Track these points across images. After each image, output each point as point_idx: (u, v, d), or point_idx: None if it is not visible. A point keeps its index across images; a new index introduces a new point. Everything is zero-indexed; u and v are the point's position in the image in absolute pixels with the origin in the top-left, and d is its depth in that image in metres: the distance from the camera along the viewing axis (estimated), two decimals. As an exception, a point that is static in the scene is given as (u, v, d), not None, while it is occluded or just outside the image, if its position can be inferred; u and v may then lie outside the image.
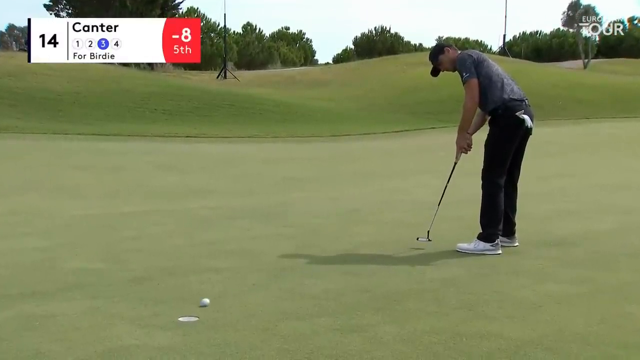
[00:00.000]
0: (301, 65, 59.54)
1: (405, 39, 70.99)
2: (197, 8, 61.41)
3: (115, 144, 17.08)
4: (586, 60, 51.77)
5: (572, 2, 56.24)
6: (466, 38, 77.46)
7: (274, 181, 11.43)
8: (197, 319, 4.11)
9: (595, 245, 6.18)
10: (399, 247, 6.09)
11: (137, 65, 33.53)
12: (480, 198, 6.05)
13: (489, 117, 6.04)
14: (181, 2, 50.85)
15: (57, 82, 27.37)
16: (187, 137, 19.17)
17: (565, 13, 56.99)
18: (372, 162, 14.72)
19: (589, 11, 53.88)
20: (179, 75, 37.68)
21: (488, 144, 5.97)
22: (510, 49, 58.12)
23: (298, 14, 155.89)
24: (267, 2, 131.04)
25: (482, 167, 6.06)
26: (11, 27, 79.45)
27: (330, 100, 31.43)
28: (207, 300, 4.36)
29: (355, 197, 9.53)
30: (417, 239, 6.20)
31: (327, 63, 64.97)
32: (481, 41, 77.13)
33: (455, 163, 6.33)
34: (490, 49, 71.78)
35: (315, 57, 75.74)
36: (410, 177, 11.74)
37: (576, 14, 53.53)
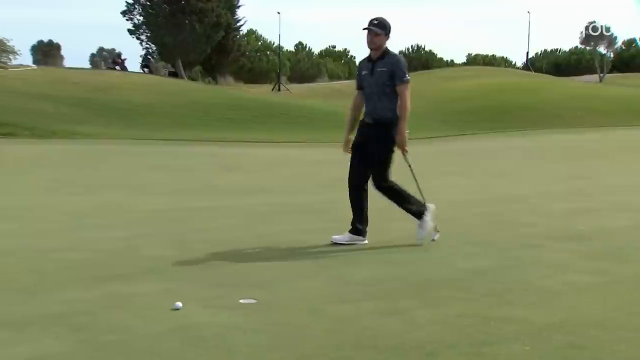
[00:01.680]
0: (346, 79, 59.39)
1: (438, 56, 70.39)
2: (256, 29, 61.74)
3: (185, 148, 17.29)
4: (602, 75, 50.78)
5: (589, 23, 55.14)
6: (493, 55, 76.41)
7: (321, 181, 11.43)
8: (255, 301, 4.12)
9: (611, 240, 6.03)
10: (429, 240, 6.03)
11: (203, 79, 33.89)
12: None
13: (374, 124, 5.67)
14: (242, 25, 51.30)
15: (136, 95, 27.87)
16: (246, 142, 19.32)
17: (583, 32, 55.88)
18: (409, 165, 14.61)
19: (605, 31, 52.82)
20: (239, 88, 38.06)
21: (376, 157, 5.67)
22: (533, 64, 57.30)
23: (343, 33, 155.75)
24: (317, 24, 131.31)
25: (374, 181, 5.75)
26: (101, 49, 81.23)
27: (372, 110, 31.31)
28: (179, 304, 3.98)
29: (394, 196, 9.46)
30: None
31: (369, 77, 64.65)
32: (506, 57, 76.01)
33: (410, 165, 5.84)
34: (515, 64, 70.81)
35: (358, 72, 75.50)
36: (441, 178, 11.60)
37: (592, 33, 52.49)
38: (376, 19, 5.61)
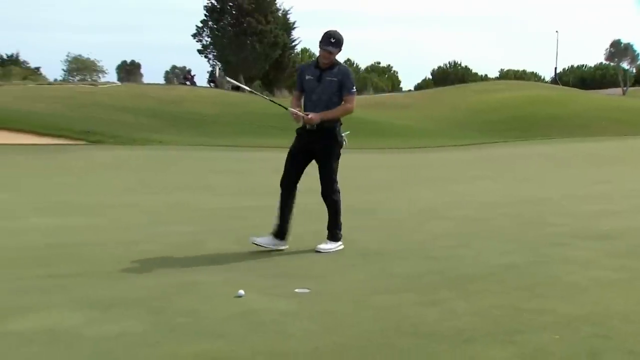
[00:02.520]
0: (389, 92, 59.18)
1: (473, 71, 69.40)
2: (309, 48, 61.95)
3: (244, 153, 17.45)
4: (625, 88, 49.36)
5: (613, 41, 53.61)
6: (523, 70, 74.92)
7: (366, 184, 11.39)
8: (309, 290, 4.12)
9: (633, 239, 5.82)
10: (467, 238, 5.93)
11: (261, 92, 34.26)
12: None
13: (320, 133, 5.26)
14: (297, 44, 51.60)
15: (203, 107, 28.28)
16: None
17: (608, 49, 54.36)
18: (445, 170, 14.45)
19: (628, 48, 51.29)
20: (294, 101, 38.15)
21: (329, 158, 5.32)
22: (561, 78, 55.98)
23: (387, 51, 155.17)
24: (363, 42, 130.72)
25: (323, 190, 5.38)
26: (173, 67, 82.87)
27: (412, 119, 31.10)
28: (242, 292, 3.99)
29: (431, 198, 9.37)
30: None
31: (410, 90, 64.32)
32: (536, 72, 74.42)
33: (298, 116, 5.27)
34: (544, 78, 69.26)
35: (400, 85, 75.09)
36: (473, 182, 11.44)
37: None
38: (333, 37, 5.15)
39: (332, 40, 5.14)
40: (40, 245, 5.54)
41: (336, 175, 5.41)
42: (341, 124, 5.40)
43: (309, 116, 5.20)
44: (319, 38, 5.17)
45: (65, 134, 19.64)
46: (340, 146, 5.39)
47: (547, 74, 78.56)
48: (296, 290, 4.12)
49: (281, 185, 5.45)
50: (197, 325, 3.45)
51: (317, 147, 5.31)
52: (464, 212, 7.69)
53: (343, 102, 5.30)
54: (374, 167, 14.91)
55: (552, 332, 3.25)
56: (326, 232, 5.48)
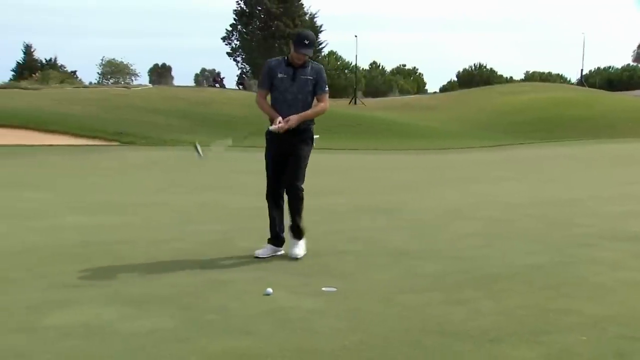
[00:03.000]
0: (414, 94, 58.90)
1: (498, 73, 68.66)
2: (335, 51, 61.96)
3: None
4: (652, 89, 48.17)
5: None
6: (549, 72, 73.82)
7: (392, 184, 11.34)
8: (335, 289, 4.12)
9: (662, 241, 5.69)
10: (492, 238, 5.86)
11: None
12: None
13: (298, 131, 4.94)
14: (323, 47, 51.68)
15: (232, 108, 28.46)
16: (325, 149, 19.38)
17: (635, 51, 53.27)
18: (470, 171, 14.30)
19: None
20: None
21: (302, 158, 4.99)
22: (587, 80, 55.02)
23: (413, 53, 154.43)
24: (389, 45, 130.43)
25: (291, 179, 4.99)
26: (203, 70, 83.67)
27: (437, 121, 30.88)
28: (270, 290, 4.03)
29: (456, 198, 9.29)
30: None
31: (435, 92, 63.92)
32: (562, 74, 73.26)
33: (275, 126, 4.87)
34: (570, 80, 68.18)
35: (425, 87, 74.65)
36: (501, 183, 11.31)
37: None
38: (307, 38, 4.84)
39: (306, 43, 4.81)
40: (76, 242, 5.64)
41: (305, 173, 5.05)
42: (314, 124, 5.13)
43: (289, 120, 4.82)
44: (294, 37, 4.91)
45: (100, 135, 19.97)
46: (311, 146, 5.11)
47: (573, 76, 77.27)
48: (323, 288, 4.12)
49: (267, 198, 5.11)
50: (227, 322, 3.47)
51: (292, 148, 4.96)
52: (489, 213, 7.60)
53: (317, 102, 5.03)
54: (399, 168, 14.84)
55: (579, 333, 3.20)
56: (290, 233, 5.11)
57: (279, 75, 4.89)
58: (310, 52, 4.87)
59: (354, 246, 5.57)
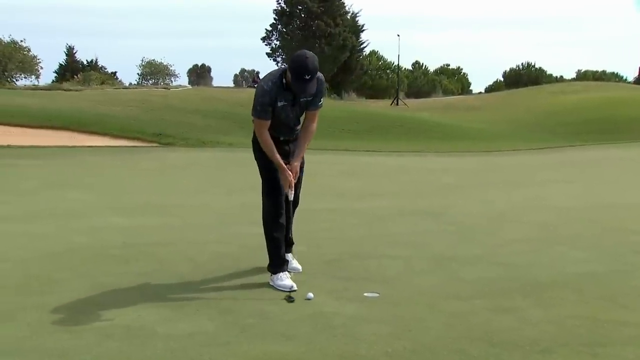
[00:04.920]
0: (459, 94, 58.22)
1: (547, 72, 67.24)
2: (377, 51, 61.70)
3: (311, 155, 17.52)
4: None
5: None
6: (603, 70, 71.89)
7: (436, 187, 11.22)
8: (378, 294, 4.11)
9: None
10: (541, 244, 5.75)
11: (329, 95, 34.43)
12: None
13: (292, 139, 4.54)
14: (365, 47, 51.57)
15: (272, 109, 28.54)
16: (366, 151, 19.34)
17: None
18: (518, 173, 14.03)
19: None
20: (361, 102, 38.18)
21: (303, 165, 4.66)
22: (645, 78, 53.27)
23: (457, 52, 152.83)
24: (433, 44, 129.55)
25: (296, 196, 4.70)
26: (242, 70, 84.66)
27: (483, 122, 30.45)
28: (311, 295, 4.03)
29: (504, 202, 9.13)
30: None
31: (480, 92, 63.04)
32: (617, 73, 71.25)
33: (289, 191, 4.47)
34: (626, 79, 66.33)
35: (470, 88, 73.71)
36: (550, 186, 11.05)
37: None
38: (306, 71, 4.05)
39: (306, 78, 4.06)
40: (118, 244, 5.76)
41: None
42: None
43: (294, 169, 4.43)
44: (292, 65, 4.12)
45: (139, 136, 20.36)
46: None
47: (630, 74, 75.01)
48: (365, 294, 4.11)
49: (275, 220, 4.45)
50: (267, 326, 3.50)
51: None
52: (537, 217, 7.44)
53: (307, 120, 4.44)
54: (443, 170, 14.67)
55: (637, 346, 3.10)
56: (294, 247, 4.80)
57: (279, 104, 4.25)
58: (313, 88, 4.14)
59: (396, 250, 5.54)
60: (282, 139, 4.44)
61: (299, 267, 4.75)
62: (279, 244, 4.44)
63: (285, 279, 4.30)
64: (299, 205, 4.85)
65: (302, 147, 4.45)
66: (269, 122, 4.29)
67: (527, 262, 5.03)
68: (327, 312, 3.73)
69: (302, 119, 4.48)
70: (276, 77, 4.23)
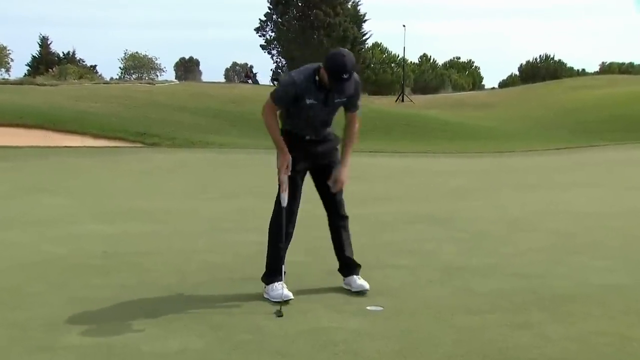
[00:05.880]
0: (469, 90, 58.32)
1: (568, 65, 67.39)
2: (381, 42, 61.83)
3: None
4: None
5: None
6: (630, 63, 72.02)
7: (445, 191, 11.23)
8: (382, 308, 4.11)
9: None
10: (561, 253, 5.75)
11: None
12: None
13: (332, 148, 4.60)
14: (367, 39, 51.71)
15: (266, 106, 28.54)
16: (369, 151, 19.35)
17: None
18: (534, 175, 14.05)
19: None
20: (364, 99, 38.19)
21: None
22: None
23: (468, 45, 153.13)
24: (441, 36, 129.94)
25: (339, 200, 4.78)
26: (234, 64, 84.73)
27: (495, 120, 30.50)
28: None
29: (518, 206, 9.13)
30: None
31: (493, 88, 63.17)
32: (647, 64, 71.35)
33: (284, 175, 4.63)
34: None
35: (482, 83, 73.90)
36: (570, 189, 11.06)
37: None
38: (344, 70, 4.08)
39: (344, 77, 4.09)
40: (98, 253, 5.76)
41: None
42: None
43: (343, 177, 4.51)
44: (328, 63, 4.13)
45: (121, 135, 20.36)
46: None
47: (661, 67, 74.87)
48: (368, 307, 4.12)
49: (281, 227, 4.55)
50: (262, 343, 3.50)
51: (323, 160, 4.56)
52: (557, 224, 7.44)
53: (349, 123, 4.54)
54: (452, 172, 14.68)
55: (667, 365, 3.10)
56: (356, 268, 4.68)
57: (308, 102, 4.26)
58: (350, 88, 4.21)
59: (402, 260, 5.54)
60: (307, 138, 4.48)
61: (366, 285, 4.50)
62: (279, 254, 4.45)
63: (279, 289, 4.26)
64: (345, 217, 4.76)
65: (348, 152, 4.55)
66: (278, 109, 4.43)
67: (545, 272, 5.03)
68: (328, 327, 3.73)
69: (329, 120, 4.51)
70: (310, 73, 4.28)
